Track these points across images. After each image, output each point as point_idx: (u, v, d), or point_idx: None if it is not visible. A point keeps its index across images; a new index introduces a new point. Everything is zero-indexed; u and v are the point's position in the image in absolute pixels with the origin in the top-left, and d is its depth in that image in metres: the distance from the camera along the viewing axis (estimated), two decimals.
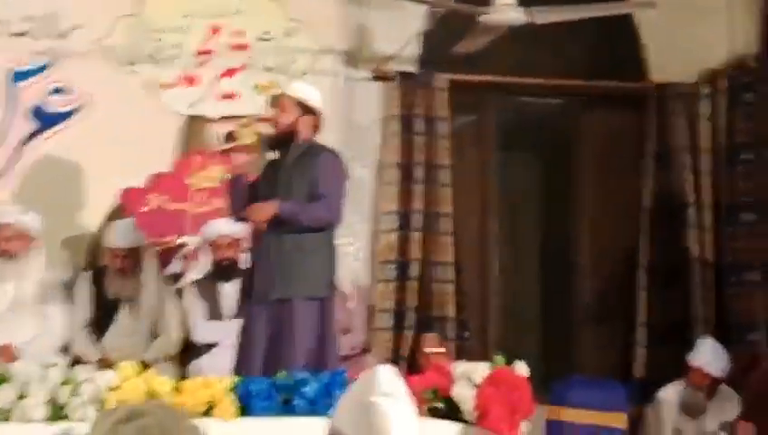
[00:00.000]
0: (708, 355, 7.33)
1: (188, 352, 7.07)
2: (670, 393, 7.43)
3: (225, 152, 5.84)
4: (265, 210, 5.78)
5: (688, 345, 7.58)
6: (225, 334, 6.70)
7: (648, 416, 7.48)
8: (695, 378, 7.31)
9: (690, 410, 7.32)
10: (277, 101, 5.98)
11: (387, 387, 2.77)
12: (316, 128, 6.04)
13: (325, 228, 5.89)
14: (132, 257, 6.95)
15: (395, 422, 2.73)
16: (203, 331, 7.01)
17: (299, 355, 5.72)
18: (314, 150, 5.97)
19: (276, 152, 5.99)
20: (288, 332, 5.76)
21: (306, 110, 5.96)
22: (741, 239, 7.88)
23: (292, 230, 5.78)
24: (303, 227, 5.79)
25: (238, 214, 6.01)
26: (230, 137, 5.85)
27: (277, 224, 5.78)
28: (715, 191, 8.17)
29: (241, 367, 5.77)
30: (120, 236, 6.91)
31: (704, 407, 7.34)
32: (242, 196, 5.91)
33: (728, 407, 7.24)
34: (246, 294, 5.96)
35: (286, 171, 5.86)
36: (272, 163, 5.94)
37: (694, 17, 8.40)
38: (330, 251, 5.94)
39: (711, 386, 7.30)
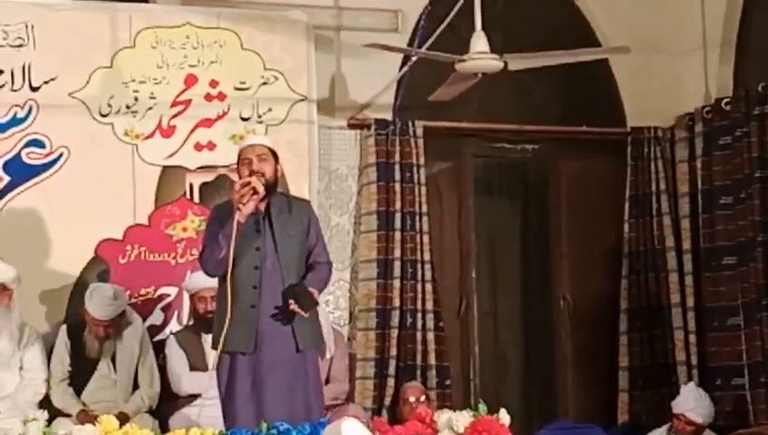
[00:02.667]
0: (692, 402, 7.29)
1: (167, 403, 7.01)
2: None
3: (246, 204, 5.71)
4: (314, 302, 5.76)
5: (672, 389, 7.57)
6: (208, 385, 6.65)
7: None
8: (679, 424, 7.27)
9: None
10: (251, 151, 5.89)
11: None
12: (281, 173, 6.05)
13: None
14: (115, 325, 6.92)
15: None
16: (186, 382, 6.96)
17: (318, 404, 5.70)
18: (295, 202, 5.97)
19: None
20: (303, 382, 5.71)
21: (276, 158, 5.93)
22: (722, 283, 7.87)
23: (288, 272, 5.75)
24: (296, 270, 5.77)
25: (225, 261, 5.86)
26: (246, 187, 5.72)
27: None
28: (694, 235, 8.18)
29: (230, 419, 5.69)
30: (103, 307, 6.86)
31: None
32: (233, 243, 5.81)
33: None
34: (245, 345, 5.82)
35: (279, 221, 5.80)
36: (265, 216, 5.88)
37: (668, 61, 8.47)
38: None
39: (695, 432, 7.26)
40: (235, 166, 5.95)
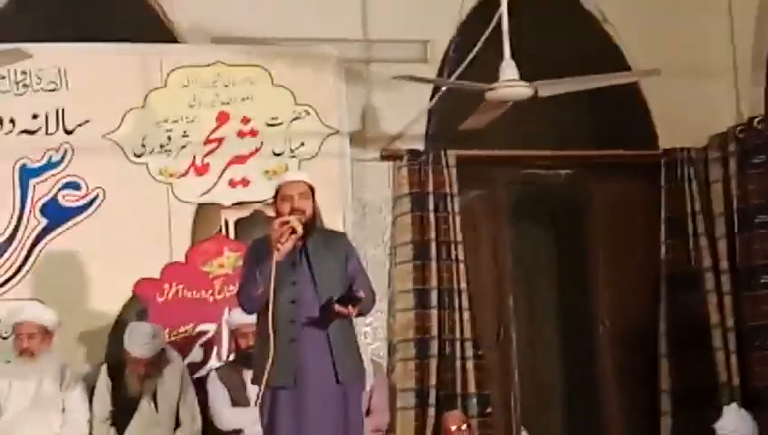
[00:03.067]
0: (735, 423, 7.24)
1: None
2: None
3: (284, 244, 5.68)
4: (357, 299, 5.69)
5: (715, 412, 7.51)
6: (250, 421, 6.66)
7: None
8: None
9: None
10: (292, 188, 5.85)
11: None
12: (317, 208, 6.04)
13: (365, 315, 5.94)
14: (154, 363, 6.95)
15: None
16: (229, 418, 6.98)
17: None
18: (331, 234, 5.95)
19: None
20: (344, 416, 5.70)
21: (314, 193, 5.92)
22: (762, 302, 7.82)
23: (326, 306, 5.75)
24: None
25: (262, 297, 5.85)
26: (284, 227, 5.69)
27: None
28: (731, 254, 8.14)
29: None
30: (142, 345, 6.89)
31: None
32: (268, 281, 5.79)
33: None
34: (285, 379, 5.81)
35: (316, 255, 5.79)
36: (304, 252, 5.87)
37: (699, 82, 8.45)
38: (354, 331, 5.94)
39: None
40: (272, 201, 5.94)
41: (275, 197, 5.85)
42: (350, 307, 5.57)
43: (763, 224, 7.85)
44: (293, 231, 5.61)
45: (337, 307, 5.57)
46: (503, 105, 7.12)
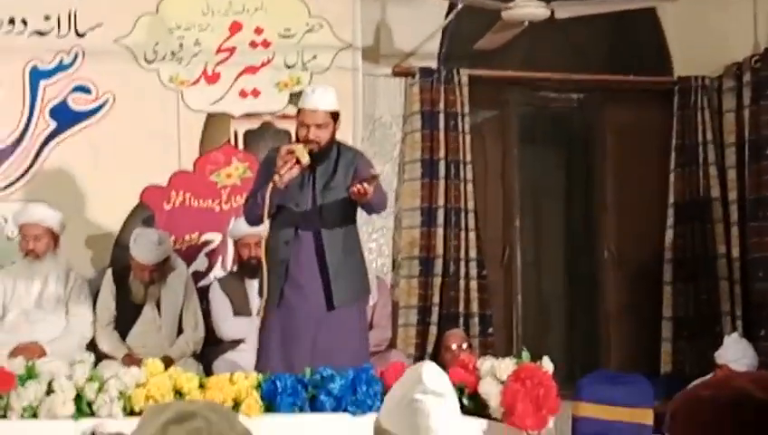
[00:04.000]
0: (735, 352, 7.25)
1: (211, 348, 7.06)
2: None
3: (285, 174, 5.64)
4: (371, 189, 5.58)
5: (716, 340, 7.53)
6: (250, 331, 6.69)
7: None
8: (718, 374, 7.25)
9: None
10: (311, 118, 5.79)
11: (431, 384, 2.74)
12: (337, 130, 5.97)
13: (378, 212, 5.99)
14: (159, 269, 6.96)
15: (437, 421, 2.70)
16: (230, 327, 7.01)
17: (359, 356, 5.70)
18: (345, 152, 5.90)
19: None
20: (342, 333, 5.71)
21: (335, 117, 5.86)
22: None
23: (327, 226, 5.73)
24: (339, 224, 5.73)
25: (259, 220, 5.87)
26: (288, 156, 5.65)
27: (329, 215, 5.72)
28: (740, 185, 8.12)
29: (260, 365, 5.72)
30: (148, 252, 6.89)
31: None
32: (273, 206, 5.80)
33: None
34: (272, 297, 5.84)
35: (323, 177, 5.77)
36: (311, 172, 5.84)
37: (717, 9, 8.35)
38: (361, 249, 5.94)
39: None
40: (280, 114, 5.94)
41: (297, 113, 5.84)
42: (365, 184, 5.52)
43: None
44: (298, 161, 5.58)
45: (354, 187, 5.54)
46: (518, 25, 7.07)
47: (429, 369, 2.77)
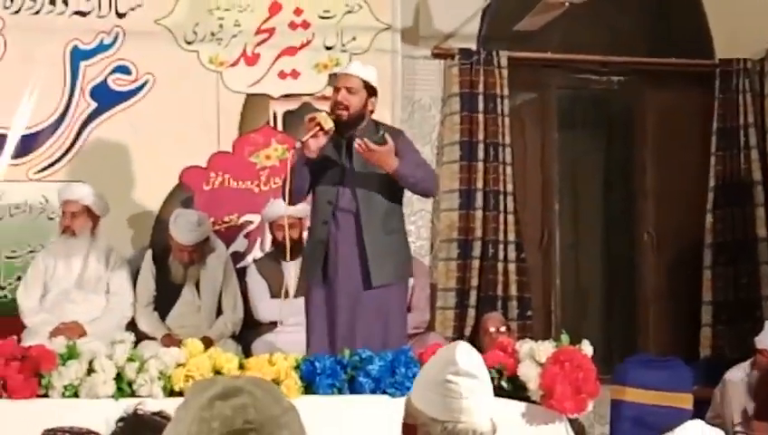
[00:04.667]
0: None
1: (250, 329, 7.08)
2: (738, 375, 7.31)
3: (306, 140, 5.66)
4: (389, 160, 5.58)
5: (756, 325, 7.48)
6: (288, 313, 6.70)
7: (715, 397, 7.38)
8: (762, 360, 7.19)
9: None
10: (344, 81, 5.85)
11: (464, 365, 2.73)
12: (373, 107, 5.96)
13: (427, 196, 5.96)
14: (199, 250, 6.97)
15: (470, 402, 2.69)
16: (267, 309, 7.01)
17: (398, 337, 5.71)
18: (382, 130, 5.88)
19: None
20: (381, 314, 5.72)
21: (371, 91, 5.86)
22: None
23: (365, 205, 5.73)
24: (379, 203, 5.73)
25: (298, 196, 5.91)
26: (311, 122, 5.68)
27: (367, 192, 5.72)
28: None
29: (310, 347, 5.75)
30: (187, 232, 6.90)
31: None
32: (306, 178, 5.82)
33: None
34: (313, 276, 5.87)
35: (360, 159, 5.75)
36: (336, 144, 5.83)
37: None
38: (404, 230, 5.94)
39: None
40: (319, 95, 5.95)
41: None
42: (366, 141, 5.50)
43: None
44: (321, 127, 5.58)
45: (356, 141, 5.53)
46: (560, 6, 7.04)
47: (462, 349, 2.76)
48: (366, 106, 5.79)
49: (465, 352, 2.75)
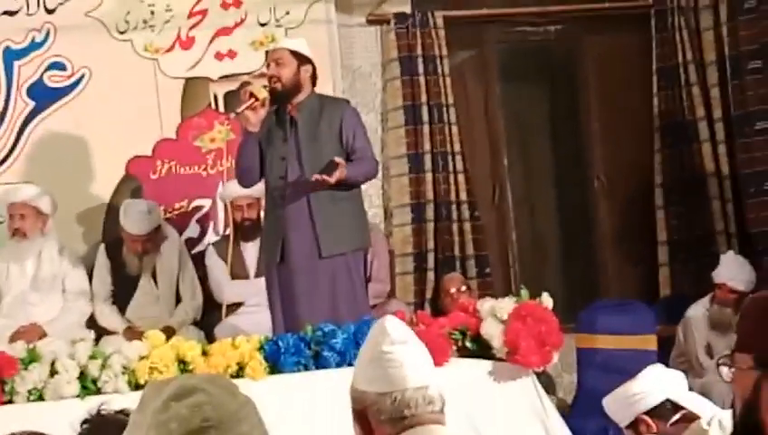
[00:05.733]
0: (732, 270, 7.28)
1: (211, 314, 7.06)
2: (698, 311, 7.39)
3: (242, 111, 5.74)
4: (338, 175, 5.66)
5: (713, 260, 7.55)
6: (250, 293, 6.70)
7: (678, 335, 7.45)
8: (721, 294, 7.27)
9: (720, 326, 7.27)
10: (272, 55, 5.96)
11: (396, 334, 2.75)
12: (314, 79, 5.99)
13: (366, 181, 5.96)
14: (151, 239, 6.94)
15: (410, 367, 2.71)
16: (228, 291, 7.00)
17: (359, 308, 5.72)
18: (329, 103, 5.92)
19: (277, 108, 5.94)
20: (339, 286, 5.72)
21: (302, 60, 5.90)
22: (756, 148, 7.79)
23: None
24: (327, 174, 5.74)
25: (250, 172, 5.94)
26: (245, 94, 5.77)
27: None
28: (724, 103, 8.10)
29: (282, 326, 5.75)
30: (138, 222, 6.87)
31: (731, 322, 7.30)
32: (255, 156, 5.86)
33: None
34: (271, 255, 5.87)
35: (306, 127, 5.79)
36: (279, 120, 5.87)
37: None
38: (359, 199, 5.95)
39: (738, 301, 7.24)
40: (258, 74, 5.99)
41: None
42: (324, 176, 5.58)
43: (756, 70, 7.78)
44: (256, 98, 5.65)
45: (314, 176, 5.60)
46: None
47: (391, 321, 2.80)
48: (298, 74, 5.83)
49: (394, 323, 2.79)
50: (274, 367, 5.32)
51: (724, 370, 2.26)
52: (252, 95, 5.69)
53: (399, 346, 2.73)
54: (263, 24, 7.73)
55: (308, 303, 5.71)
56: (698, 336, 7.32)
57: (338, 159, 5.66)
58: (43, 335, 6.42)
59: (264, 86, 5.79)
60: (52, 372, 5.13)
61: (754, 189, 7.82)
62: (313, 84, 5.98)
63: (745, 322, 2.24)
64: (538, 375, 5.67)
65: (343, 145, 5.82)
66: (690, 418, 3.58)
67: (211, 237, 7.45)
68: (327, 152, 5.75)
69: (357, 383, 2.75)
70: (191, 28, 7.62)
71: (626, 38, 8.48)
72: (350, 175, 5.71)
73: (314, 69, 5.97)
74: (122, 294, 6.96)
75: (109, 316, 6.90)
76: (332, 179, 5.59)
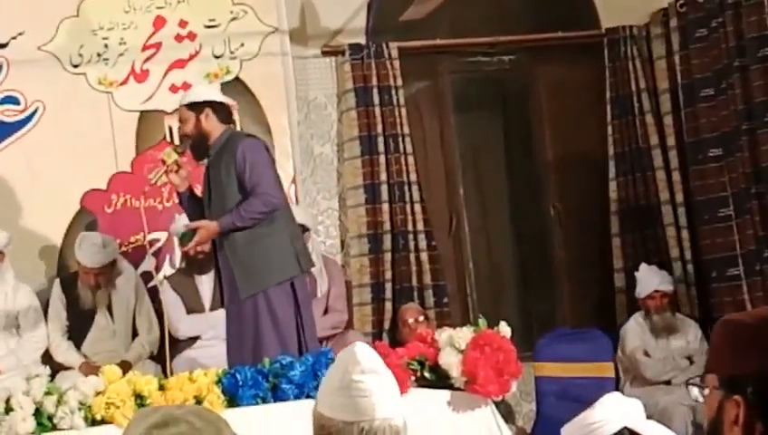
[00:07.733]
0: (655, 278, 7.50)
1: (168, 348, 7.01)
2: (633, 323, 7.57)
3: (156, 180, 5.90)
4: (208, 235, 5.73)
5: None
6: (206, 327, 6.66)
7: (618, 357, 7.54)
8: (654, 303, 7.50)
9: (666, 329, 7.46)
10: (178, 115, 6.06)
11: (367, 364, 2.74)
12: (229, 116, 5.99)
13: (272, 215, 5.77)
14: (105, 273, 6.90)
15: (379, 397, 2.70)
16: (184, 325, 6.96)
17: (285, 341, 5.68)
18: (231, 143, 5.85)
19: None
20: (268, 321, 5.69)
21: (199, 108, 5.88)
22: (710, 175, 7.85)
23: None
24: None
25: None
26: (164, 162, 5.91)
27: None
28: (677, 130, 8.16)
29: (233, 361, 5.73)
30: (93, 255, 6.83)
31: (674, 323, 7.44)
32: (192, 209, 5.92)
33: (690, 329, 7.54)
34: (227, 288, 5.90)
35: (213, 172, 5.83)
36: (206, 169, 5.94)
37: None
38: (285, 230, 5.82)
39: (671, 302, 7.55)
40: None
41: None
42: (190, 247, 5.89)
43: (708, 97, 7.84)
44: (164, 162, 5.75)
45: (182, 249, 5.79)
46: None
47: (362, 349, 2.78)
48: (199, 123, 5.83)
49: (365, 352, 2.77)
50: (232, 400, 5.28)
51: (694, 390, 2.30)
52: (163, 162, 5.79)
53: (370, 375, 2.72)
54: (217, 57, 7.72)
55: (256, 338, 5.70)
56: (635, 344, 7.47)
57: (193, 224, 5.73)
58: None
59: (174, 147, 5.94)
60: (7, 410, 5.06)
61: (708, 216, 7.87)
62: (227, 120, 5.94)
63: (714, 343, 2.30)
64: (497, 404, 5.66)
65: (241, 179, 5.76)
66: None
67: (167, 271, 7.40)
68: (230, 193, 5.75)
69: (322, 409, 2.74)
70: (145, 61, 7.61)
71: (579, 67, 8.54)
72: (224, 226, 5.68)
73: (216, 107, 5.88)
74: (78, 328, 6.91)
75: (65, 351, 6.84)
76: (189, 248, 5.91)
